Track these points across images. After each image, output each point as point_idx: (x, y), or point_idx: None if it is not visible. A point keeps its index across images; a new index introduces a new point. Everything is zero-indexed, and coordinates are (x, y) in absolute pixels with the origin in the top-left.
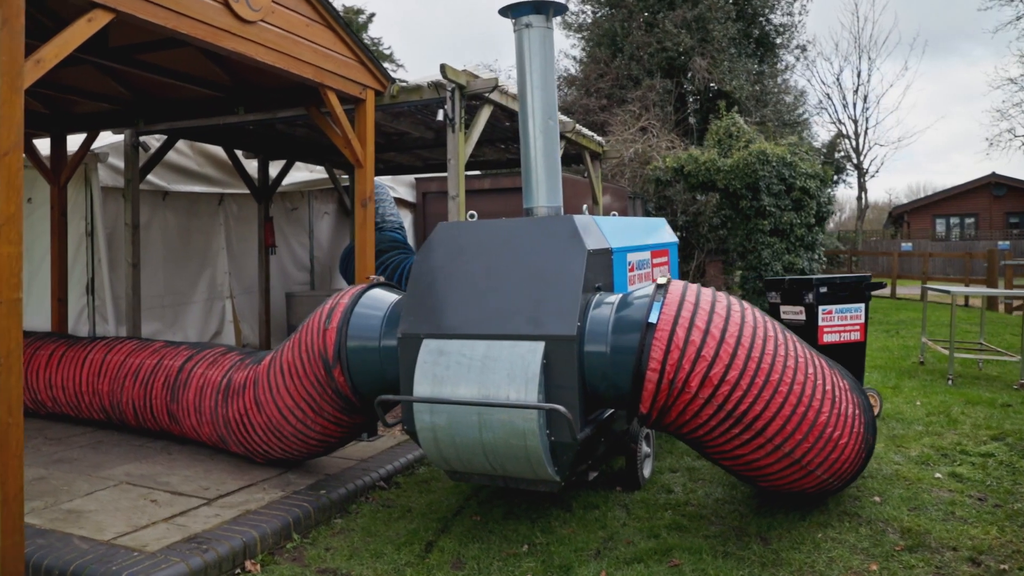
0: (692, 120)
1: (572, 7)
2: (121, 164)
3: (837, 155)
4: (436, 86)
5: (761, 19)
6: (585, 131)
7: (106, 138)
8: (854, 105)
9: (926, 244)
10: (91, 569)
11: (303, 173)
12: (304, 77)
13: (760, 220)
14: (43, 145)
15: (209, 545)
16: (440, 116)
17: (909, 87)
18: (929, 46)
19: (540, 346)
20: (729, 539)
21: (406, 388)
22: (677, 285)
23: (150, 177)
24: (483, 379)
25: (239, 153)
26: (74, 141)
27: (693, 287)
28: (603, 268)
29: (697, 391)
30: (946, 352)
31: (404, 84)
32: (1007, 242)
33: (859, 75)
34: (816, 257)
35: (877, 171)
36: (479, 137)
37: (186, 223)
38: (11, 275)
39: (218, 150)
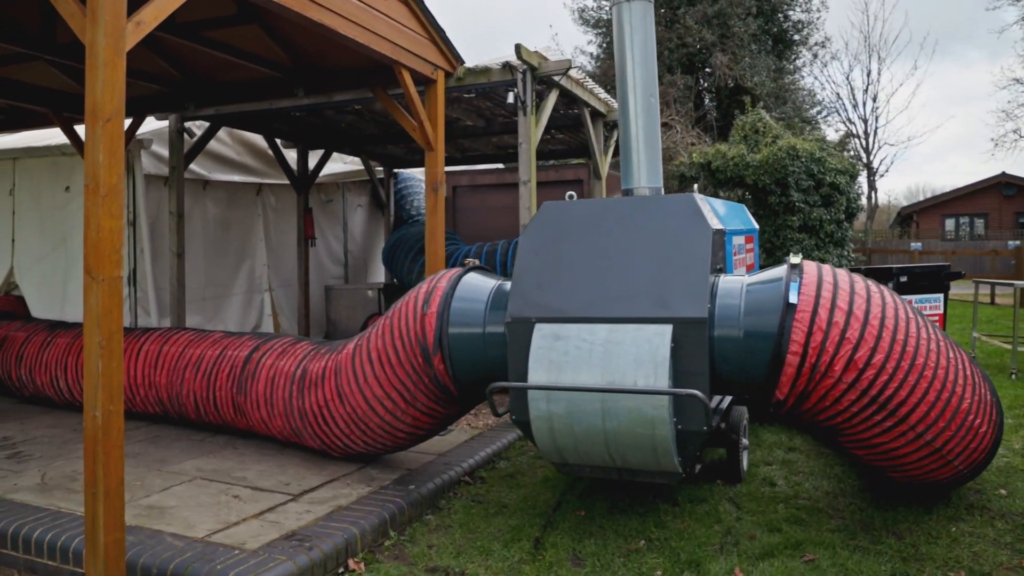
0: (710, 117)
1: (589, 2)
2: (164, 151)
3: (846, 155)
4: (507, 68)
5: (780, 15)
6: None
7: (147, 124)
8: (864, 104)
9: (935, 243)
10: (194, 568)
11: (338, 165)
12: (381, 54)
13: (789, 216)
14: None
15: (312, 543)
16: (510, 99)
17: (920, 86)
18: (926, 48)
19: (668, 329)
20: (857, 533)
21: (516, 375)
22: (811, 265)
23: (191, 166)
24: (606, 364)
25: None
26: None
27: (827, 267)
28: (719, 250)
29: (841, 375)
30: (999, 346)
31: (471, 66)
32: (1017, 241)
33: (869, 74)
34: (845, 254)
35: (887, 171)
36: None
37: (225, 214)
38: (112, 251)
39: (257, 139)
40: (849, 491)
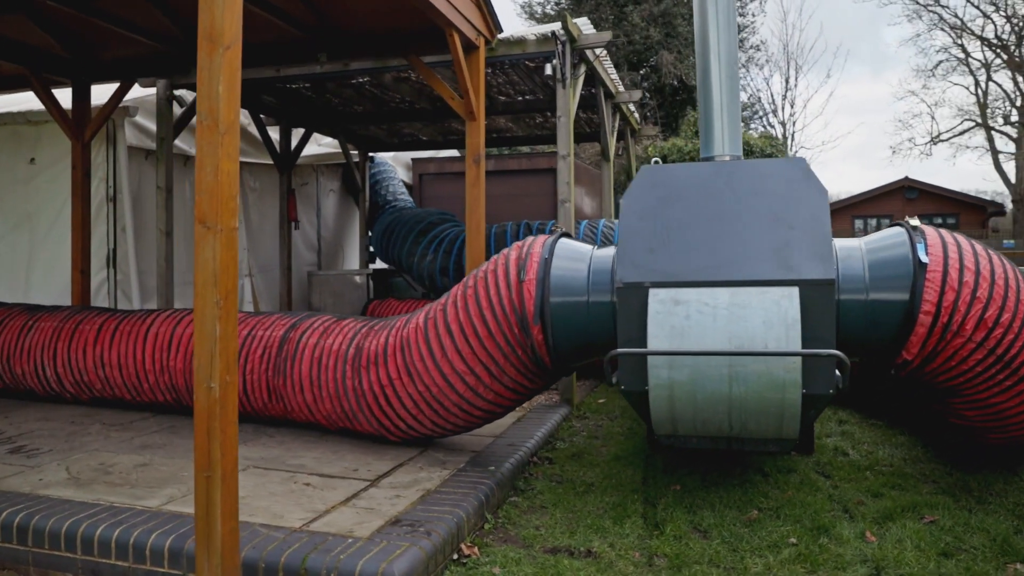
0: (654, 114)
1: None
2: (145, 122)
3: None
4: (546, 38)
5: None
6: (632, 106)
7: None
8: (783, 109)
9: None
10: (313, 559)
11: (313, 146)
12: (439, 12)
13: None
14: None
15: (425, 527)
16: (548, 70)
17: (833, 93)
18: (818, 63)
19: (794, 291)
20: (959, 495)
21: (626, 343)
22: (930, 228)
23: (175, 140)
24: (733, 328)
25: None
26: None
27: (943, 230)
28: None
29: (972, 334)
30: None
31: (505, 36)
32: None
33: (787, 81)
34: None
35: None
36: (521, 107)
37: None
38: (229, 198)
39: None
40: (923, 458)
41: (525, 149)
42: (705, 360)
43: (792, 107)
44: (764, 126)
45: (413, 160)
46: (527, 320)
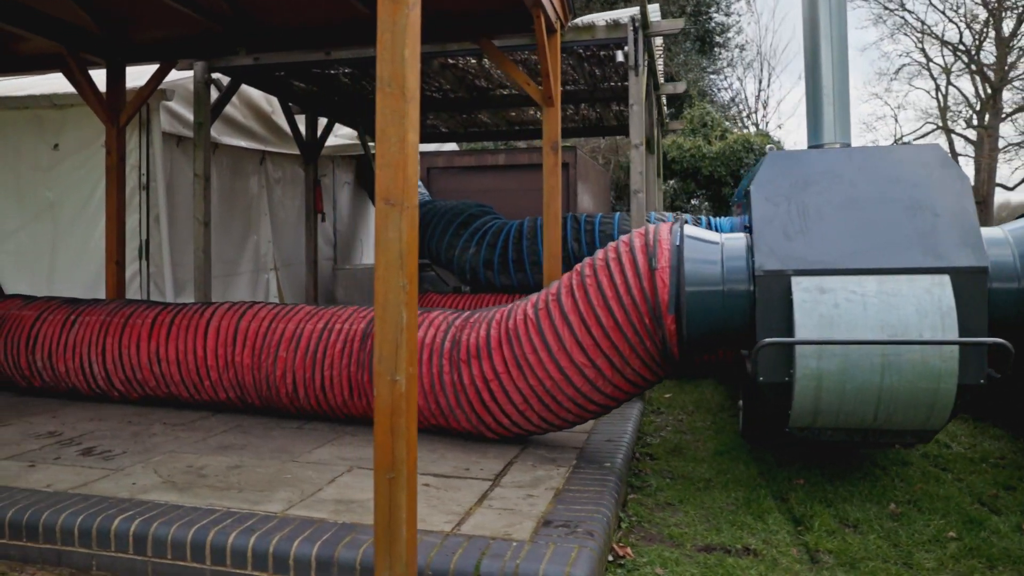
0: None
1: None
2: (178, 107)
3: None
4: (616, 25)
5: (704, 16)
6: (664, 99)
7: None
8: (756, 112)
9: None
10: (487, 565)
11: (331, 137)
12: None
13: None
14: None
15: (582, 527)
16: (620, 57)
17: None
18: (791, 64)
19: (946, 279)
20: None
21: (766, 332)
22: None
23: None
24: (885, 317)
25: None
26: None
27: None
28: None
29: None
30: None
31: (574, 22)
32: None
33: (760, 82)
34: None
35: None
36: (561, 97)
37: (231, 183)
38: (414, 173)
39: (260, 102)
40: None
41: (516, 144)
42: (857, 349)
43: (765, 108)
44: (740, 128)
45: (421, 154)
46: (660, 310)
